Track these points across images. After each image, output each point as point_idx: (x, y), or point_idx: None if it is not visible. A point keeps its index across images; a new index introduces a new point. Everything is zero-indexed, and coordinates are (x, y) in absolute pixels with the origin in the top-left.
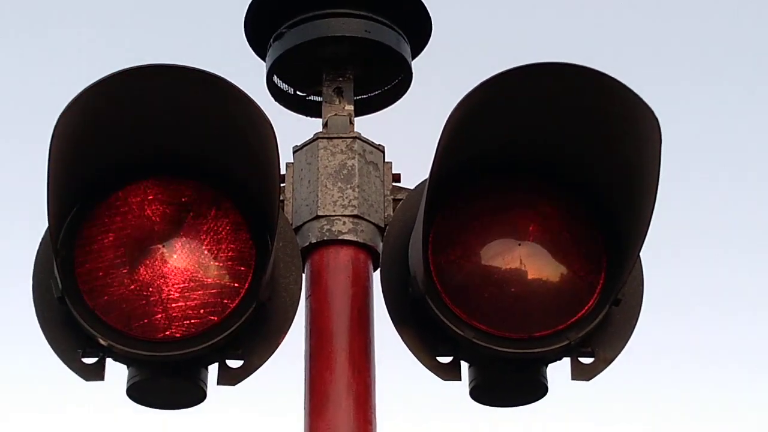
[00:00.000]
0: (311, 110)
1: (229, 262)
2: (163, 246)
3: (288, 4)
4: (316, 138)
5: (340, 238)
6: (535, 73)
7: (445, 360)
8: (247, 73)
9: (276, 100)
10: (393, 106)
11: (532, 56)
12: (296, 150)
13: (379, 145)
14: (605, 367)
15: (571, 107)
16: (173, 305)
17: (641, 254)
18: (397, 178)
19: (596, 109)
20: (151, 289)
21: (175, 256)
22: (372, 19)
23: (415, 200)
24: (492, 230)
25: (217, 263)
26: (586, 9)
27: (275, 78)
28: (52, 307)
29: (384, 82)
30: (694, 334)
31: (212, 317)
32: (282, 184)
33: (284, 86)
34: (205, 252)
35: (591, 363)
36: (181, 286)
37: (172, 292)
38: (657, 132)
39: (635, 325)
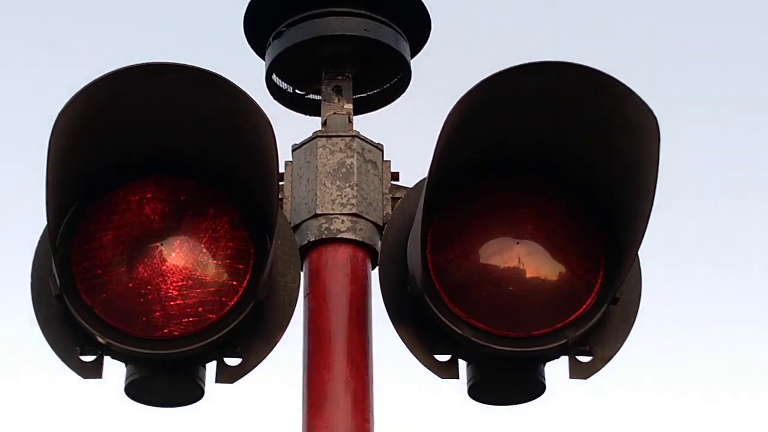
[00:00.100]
0: (310, 109)
1: (228, 261)
2: (162, 244)
3: (287, 2)
4: (315, 136)
5: (338, 236)
6: (533, 72)
7: (444, 358)
8: (247, 71)
9: (275, 99)
10: (392, 104)
11: (531, 55)
12: (295, 148)
13: (378, 143)
14: (603, 366)
15: (569, 106)
16: (172, 303)
17: (639, 253)
18: (395, 176)
19: (595, 108)
20: (149, 287)
21: (173, 255)
22: (371, 17)
23: (414, 199)
24: (490, 229)
25: (215, 261)
26: (586, 8)
27: (274, 76)
28: (51, 305)
29: (383, 80)
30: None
31: (210, 315)
32: (281, 183)
33: (283, 85)
34: (204, 250)
35: (589, 361)
36: (180, 284)
37: (170, 290)
38: (656, 131)
39: (633, 323)
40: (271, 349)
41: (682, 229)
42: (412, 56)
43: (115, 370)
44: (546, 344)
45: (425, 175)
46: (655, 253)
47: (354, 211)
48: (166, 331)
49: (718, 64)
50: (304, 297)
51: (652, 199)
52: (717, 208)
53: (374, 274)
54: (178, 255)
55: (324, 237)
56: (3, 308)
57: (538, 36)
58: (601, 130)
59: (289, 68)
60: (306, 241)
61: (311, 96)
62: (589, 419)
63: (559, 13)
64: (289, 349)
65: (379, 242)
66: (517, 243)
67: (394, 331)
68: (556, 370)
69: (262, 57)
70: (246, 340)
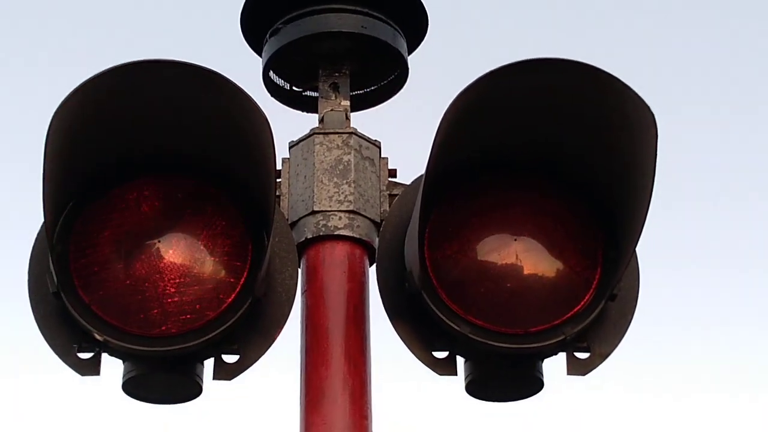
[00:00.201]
0: (307, 106)
1: (225, 258)
2: (159, 241)
3: None
4: (312, 133)
5: (336, 233)
6: (532, 69)
7: (441, 355)
8: (244, 68)
9: (272, 96)
10: (389, 101)
11: (529, 52)
12: (292, 145)
13: (375, 140)
14: (601, 362)
15: (568, 103)
16: (169, 300)
17: (639, 253)
18: (393, 173)
19: (595, 105)
20: (147, 285)
21: (170, 252)
22: (368, 14)
23: (412, 196)
24: (488, 225)
25: (213, 258)
26: (585, 6)
27: (271, 73)
28: (48, 302)
29: (380, 77)
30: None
31: (208, 312)
32: (278, 180)
33: (280, 82)
34: (201, 247)
35: (587, 358)
36: (177, 281)
37: (168, 288)
38: (653, 128)
39: (631, 320)
40: (269, 346)
41: (681, 230)
42: (410, 53)
43: (112, 368)
44: (544, 341)
45: (423, 171)
46: (655, 253)
47: (351, 208)
48: (163, 328)
49: (718, 65)
50: (302, 294)
51: (650, 195)
52: (717, 209)
53: (372, 271)
54: (175, 252)
55: (321, 234)
56: (0, 306)
57: (537, 34)
58: (601, 129)
59: (286, 65)
60: (303, 238)
61: (308, 93)
62: (587, 416)
63: (558, 12)
64: (287, 345)
65: (377, 239)
66: (515, 240)
67: (392, 328)
68: (554, 366)
69: (259, 54)
70: (243, 337)
